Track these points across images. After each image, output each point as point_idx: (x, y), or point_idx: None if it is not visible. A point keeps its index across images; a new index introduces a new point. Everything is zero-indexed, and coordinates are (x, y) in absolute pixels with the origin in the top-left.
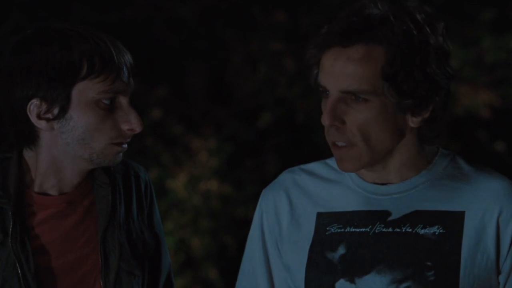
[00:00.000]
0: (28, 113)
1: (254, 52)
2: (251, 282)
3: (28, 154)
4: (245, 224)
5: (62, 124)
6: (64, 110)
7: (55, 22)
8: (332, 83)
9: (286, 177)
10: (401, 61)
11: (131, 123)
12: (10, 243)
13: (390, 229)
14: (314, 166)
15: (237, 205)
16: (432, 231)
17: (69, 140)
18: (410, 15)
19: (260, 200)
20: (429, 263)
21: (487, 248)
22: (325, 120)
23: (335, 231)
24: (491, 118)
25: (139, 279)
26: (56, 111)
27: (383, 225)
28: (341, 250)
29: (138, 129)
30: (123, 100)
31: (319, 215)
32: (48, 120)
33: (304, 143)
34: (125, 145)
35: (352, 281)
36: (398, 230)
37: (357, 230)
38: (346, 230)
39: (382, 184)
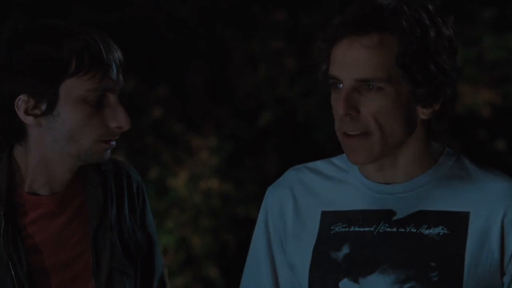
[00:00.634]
0: (16, 108)
1: (254, 51)
2: (255, 280)
3: (17, 153)
4: (246, 223)
5: (50, 120)
6: (51, 107)
7: (46, 19)
8: (345, 72)
9: (291, 175)
10: (415, 50)
11: (119, 120)
12: (2, 243)
13: (394, 229)
14: (319, 164)
15: (237, 203)
16: (436, 232)
17: (57, 137)
18: (423, 6)
19: (265, 198)
20: (433, 264)
21: (491, 249)
22: (339, 109)
23: (340, 230)
24: (491, 117)
25: (132, 278)
26: (43, 107)
27: (387, 225)
28: (345, 250)
29: (126, 126)
30: (112, 98)
31: (324, 213)
32: (35, 116)
33: (304, 143)
34: (113, 142)
35: (355, 280)
36: (402, 230)
37: (362, 229)
38: (350, 230)
39: (387, 183)
